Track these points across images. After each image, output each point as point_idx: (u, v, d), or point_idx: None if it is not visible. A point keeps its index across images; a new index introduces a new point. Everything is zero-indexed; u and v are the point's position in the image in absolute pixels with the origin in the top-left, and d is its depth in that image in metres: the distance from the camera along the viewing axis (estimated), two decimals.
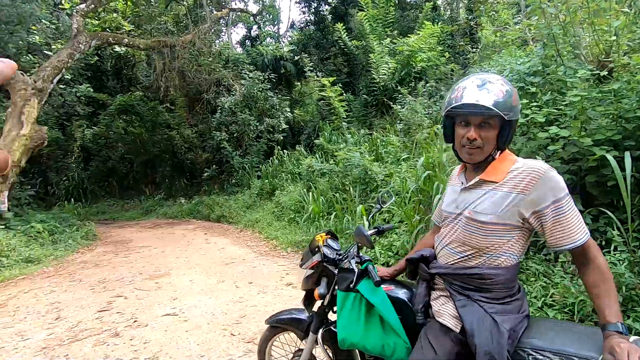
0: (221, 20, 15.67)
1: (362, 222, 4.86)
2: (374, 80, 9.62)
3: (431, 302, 1.31)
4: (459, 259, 1.22)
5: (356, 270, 1.46)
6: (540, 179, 1.10)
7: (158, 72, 11.82)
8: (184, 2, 13.68)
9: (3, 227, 6.59)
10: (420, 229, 3.86)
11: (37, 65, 9.19)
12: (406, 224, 4.25)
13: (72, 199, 12.62)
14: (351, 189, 6.02)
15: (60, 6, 12.40)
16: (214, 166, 12.48)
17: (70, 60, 8.44)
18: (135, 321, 3.42)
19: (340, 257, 1.65)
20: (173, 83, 11.79)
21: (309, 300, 1.75)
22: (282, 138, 12.07)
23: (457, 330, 1.18)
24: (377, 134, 7.97)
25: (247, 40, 18.49)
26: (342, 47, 11.76)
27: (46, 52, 11.18)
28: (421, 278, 1.35)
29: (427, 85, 8.09)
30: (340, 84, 9.96)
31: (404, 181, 4.90)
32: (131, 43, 10.18)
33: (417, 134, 6.24)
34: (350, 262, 1.52)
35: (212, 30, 13.63)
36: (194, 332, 3.13)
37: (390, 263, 3.95)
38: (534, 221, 1.12)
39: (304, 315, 1.86)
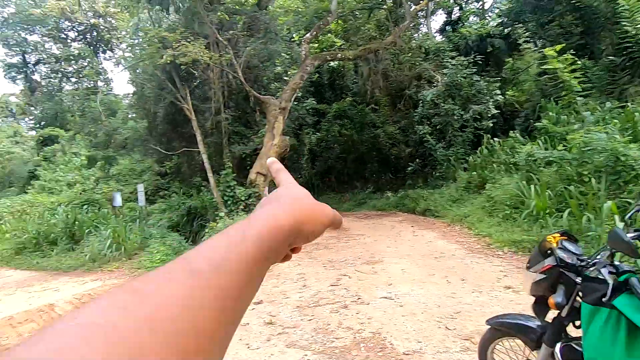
0: (419, 12, 15.61)
1: (614, 223, 3.80)
2: (625, 33, 7.24)
3: None
4: None
5: (610, 281, 1.21)
6: None
7: (365, 77, 13.03)
8: (384, 5, 14.45)
9: None
10: None
11: (280, 90, 12.00)
12: None
13: None
14: (593, 180, 4.80)
15: (292, 39, 15.68)
16: (417, 160, 12.66)
17: (301, 82, 10.54)
18: (359, 298, 3.99)
19: (583, 263, 1.40)
20: (378, 85, 12.72)
21: (540, 307, 1.57)
22: (491, 125, 10.88)
23: None
24: (634, 105, 5.98)
25: (447, 26, 17.60)
26: (573, 1, 9.39)
27: (285, 78, 14.44)
28: None
29: None
30: (570, 50, 8.02)
31: None
32: (343, 56, 11.68)
33: None
34: (599, 271, 1.28)
35: (412, 25, 13.78)
36: (409, 317, 3.35)
37: None
38: None
39: (533, 323, 1.69)
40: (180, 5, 10.42)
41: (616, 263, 1.29)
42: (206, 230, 8.13)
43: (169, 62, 8.33)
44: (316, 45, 15.25)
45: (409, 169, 12.78)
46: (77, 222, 9.62)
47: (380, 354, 2.78)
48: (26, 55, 27.19)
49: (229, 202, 9.19)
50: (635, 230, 1.41)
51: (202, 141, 9.80)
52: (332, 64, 16.50)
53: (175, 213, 10.23)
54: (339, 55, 11.69)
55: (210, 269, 0.25)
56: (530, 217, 5.64)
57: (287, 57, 14.97)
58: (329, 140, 17.94)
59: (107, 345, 0.19)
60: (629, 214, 1.53)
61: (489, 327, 1.92)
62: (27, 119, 30.01)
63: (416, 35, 16.42)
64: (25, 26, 25.91)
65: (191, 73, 9.94)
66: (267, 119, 10.17)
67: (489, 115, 10.87)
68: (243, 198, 9.15)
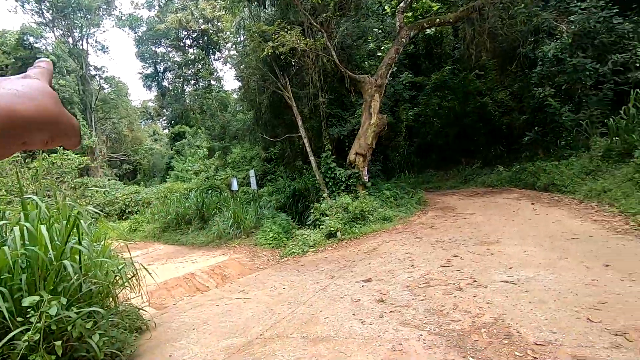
0: None
1: None
2: None
3: None
4: None
5: None
6: None
7: (468, 40, 11.75)
8: None
9: (367, 193, 9.04)
10: None
11: (375, 67, 11.66)
12: None
13: (406, 171, 15.30)
14: None
15: (384, 12, 15.01)
16: (535, 128, 11.04)
17: (396, 55, 10.07)
18: (474, 281, 3.73)
19: None
20: (484, 47, 11.33)
21: None
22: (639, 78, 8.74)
23: None
24: None
25: None
26: None
27: (378, 54, 13.97)
28: None
29: None
30: None
31: None
32: (442, 20, 10.70)
33: None
34: None
35: None
36: (538, 305, 2.99)
37: None
38: None
39: None
40: None
41: None
42: (311, 210, 8.59)
43: (269, 53, 8.85)
44: (410, 14, 14.29)
45: (525, 139, 11.24)
46: (204, 205, 11.20)
47: (505, 341, 2.56)
48: (157, 66, 32.25)
49: (330, 184, 9.50)
50: None
51: (302, 126, 10.25)
52: (428, 31, 15.31)
53: (282, 195, 11.05)
54: (438, 20, 10.74)
55: None
56: None
57: (380, 31, 14.41)
58: (428, 114, 16.92)
59: None
60: None
61: None
62: (161, 120, 35.91)
63: None
64: (154, 40, 30.62)
65: (289, 61, 10.39)
66: (364, 99, 10.06)
67: (637, 65, 8.73)
68: (343, 179, 9.34)
